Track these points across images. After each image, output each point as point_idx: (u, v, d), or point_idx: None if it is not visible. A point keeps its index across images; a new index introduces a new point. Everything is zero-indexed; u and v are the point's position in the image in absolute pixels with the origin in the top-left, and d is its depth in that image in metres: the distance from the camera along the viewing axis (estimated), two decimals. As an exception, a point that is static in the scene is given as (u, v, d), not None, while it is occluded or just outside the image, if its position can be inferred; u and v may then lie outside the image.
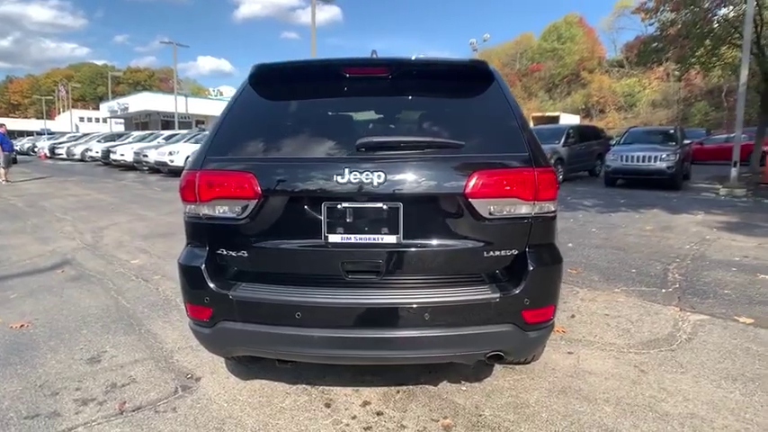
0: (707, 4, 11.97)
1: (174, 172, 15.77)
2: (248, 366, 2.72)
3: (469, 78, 2.09)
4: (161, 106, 35.40)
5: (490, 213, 1.81)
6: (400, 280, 1.88)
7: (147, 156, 16.55)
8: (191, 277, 1.97)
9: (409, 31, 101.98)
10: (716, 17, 12.25)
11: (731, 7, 11.67)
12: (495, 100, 2.05)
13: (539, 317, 1.89)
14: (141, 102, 36.94)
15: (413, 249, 1.84)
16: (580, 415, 2.23)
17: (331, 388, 2.52)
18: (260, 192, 1.85)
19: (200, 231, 1.97)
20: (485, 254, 1.85)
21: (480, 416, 2.25)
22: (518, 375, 2.61)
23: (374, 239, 1.83)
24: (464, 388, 2.50)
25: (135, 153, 17.33)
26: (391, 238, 1.82)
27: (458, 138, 1.88)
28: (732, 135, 19.92)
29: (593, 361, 2.76)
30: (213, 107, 39.19)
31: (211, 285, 1.91)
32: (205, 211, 1.93)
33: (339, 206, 1.82)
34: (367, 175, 1.78)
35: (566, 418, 2.21)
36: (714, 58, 13.59)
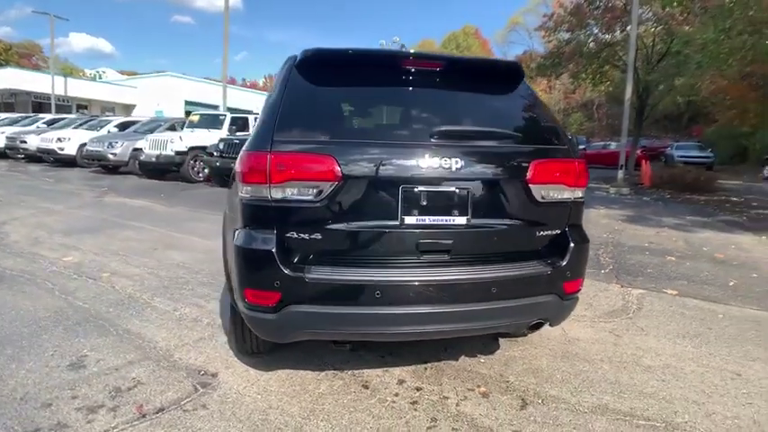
0: (595, 30, 13.88)
1: (64, 161, 13.87)
2: (265, 358, 2.66)
3: (506, 76, 2.31)
4: (31, 86, 30.52)
5: (542, 197, 2.06)
6: (468, 258, 2.04)
7: (25, 142, 14.30)
8: (257, 261, 1.90)
9: (314, 26, 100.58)
10: (602, 40, 14.26)
11: (616, 32, 13.69)
12: (527, 97, 2.29)
13: (573, 287, 2.18)
14: (4, 79, 31.46)
15: (479, 229, 2.01)
16: (587, 373, 2.59)
17: (360, 371, 2.58)
18: (340, 174, 1.86)
19: (266, 214, 1.91)
20: (537, 233, 2.10)
21: (507, 382, 2.49)
22: (522, 346, 2.91)
23: (446, 221, 1.96)
24: (482, 360, 2.73)
25: (8, 138, 14.84)
26: (461, 220, 1.97)
27: (509, 130, 2.09)
28: (609, 143, 23.15)
29: (577, 330, 3.17)
30: (98, 91, 34.88)
31: (283, 269, 1.87)
32: (276, 193, 1.88)
33: (415, 189, 1.92)
34: (445, 160, 1.91)
35: (577, 376, 2.55)
36: (599, 75, 15.85)
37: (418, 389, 2.42)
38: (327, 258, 1.95)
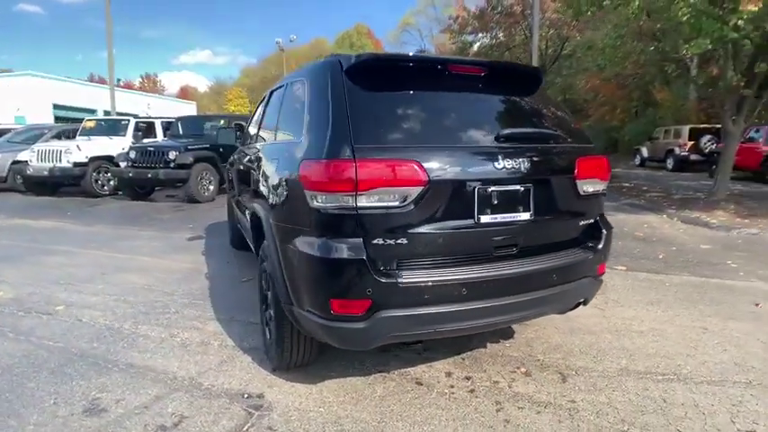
0: (500, 34, 15.12)
1: None
2: (304, 372, 2.60)
3: (532, 80, 2.55)
4: None
5: (584, 191, 2.32)
6: (531, 250, 2.23)
7: None
8: (348, 271, 1.88)
9: (199, 23, 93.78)
10: (504, 43, 15.59)
11: (515, 37, 15.06)
12: (550, 100, 2.56)
13: (603, 269, 2.49)
14: None
15: (539, 223, 2.20)
16: (597, 344, 2.94)
17: (405, 370, 2.65)
18: (425, 179, 1.92)
19: (350, 222, 1.90)
20: (580, 223, 2.36)
21: (539, 360, 2.74)
22: (533, 328, 3.19)
23: (513, 217, 2.13)
24: (507, 344, 2.95)
25: None
26: (525, 215, 2.15)
27: (554, 130, 2.33)
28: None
29: (567, 308, 3.56)
30: None
31: (375, 276, 1.89)
32: (363, 201, 1.88)
33: (488, 189, 2.05)
34: (515, 161, 2.07)
35: (591, 347, 2.89)
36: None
37: (468, 378, 2.56)
38: (414, 261, 2.00)
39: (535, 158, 2.14)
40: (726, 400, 2.32)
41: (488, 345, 2.94)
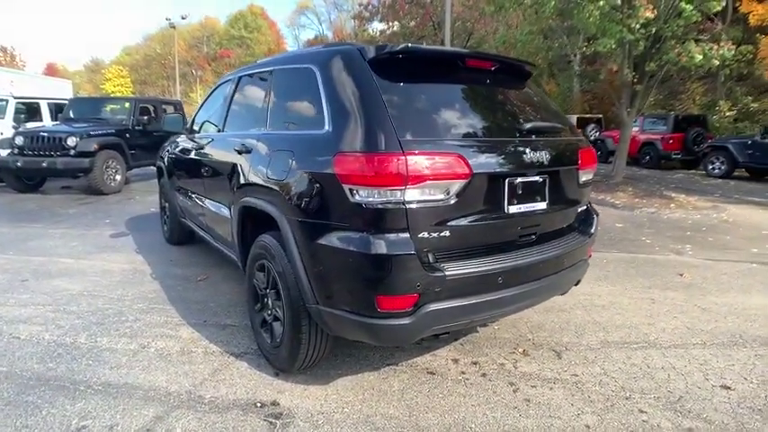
0: (412, 23, 15.32)
1: None
2: (311, 373, 2.50)
3: (527, 75, 2.66)
4: None
5: (583, 180, 2.50)
6: (545, 237, 2.35)
7: None
8: (398, 266, 1.82)
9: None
10: (416, 33, 15.85)
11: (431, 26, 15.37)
12: (537, 93, 2.69)
13: (591, 251, 2.72)
14: None
15: (551, 212, 2.33)
16: (572, 320, 3.21)
17: (412, 360, 2.67)
18: (469, 172, 1.92)
19: (396, 216, 1.84)
20: (578, 210, 2.54)
21: (530, 340, 2.93)
22: (512, 309, 3.39)
23: (533, 207, 2.22)
24: (497, 327, 3.10)
25: None
26: (542, 205, 2.26)
27: (558, 124, 2.46)
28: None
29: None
30: None
31: (423, 270, 1.85)
32: (411, 195, 1.83)
33: (516, 181, 2.11)
34: (536, 153, 2.15)
35: (568, 323, 3.15)
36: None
37: (474, 363, 2.65)
38: (455, 253, 2.00)
39: (550, 151, 2.25)
40: (694, 361, 2.69)
41: (480, 329, 3.06)
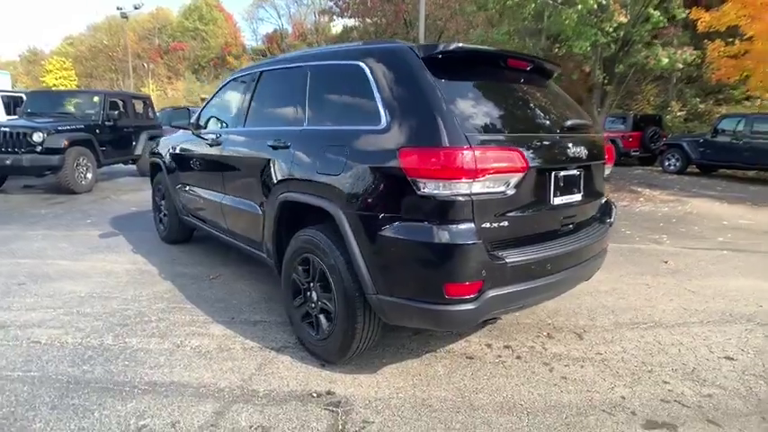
0: (383, 20, 15.41)
1: None
2: (356, 362, 2.57)
3: (550, 74, 2.83)
4: None
5: (606, 174, 2.71)
6: (579, 226, 2.53)
7: None
8: (467, 255, 1.93)
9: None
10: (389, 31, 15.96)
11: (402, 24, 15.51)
12: (559, 91, 2.88)
13: (607, 241, 2.95)
14: None
15: (584, 203, 2.51)
16: (583, 305, 3.44)
17: (449, 347, 2.79)
18: (526, 166, 2.06)
19: (464, 208, 1.95)
20: (601, 201, 2.74)
21: (551, 324, 3.12)
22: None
23: (572, 199, 2.40)
24: (518, 314, 3.27)
25: None
26: (578, 197, 2.44)
27: (588, 121, 2.66)
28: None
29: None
30: None
31: (488, 258, 1.98)
32: (477, 187, 1.94)
33: (559, 174, 2.28)
34: (578, 148, 2.33)
35: (580, 308, 3.38)
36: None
37: (507, 347, 2.82)
38: (511, 242, 2.13)
39: (586, 146, 2.44)
40: (697, 337, 2.97)
41: (504, 318, 3.23)
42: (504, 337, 2.93)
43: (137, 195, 7.91)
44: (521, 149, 2.08)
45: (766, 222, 6.53)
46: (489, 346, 2.83)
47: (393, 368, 2.57)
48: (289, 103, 2.88)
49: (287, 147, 2.68)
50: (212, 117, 3.91)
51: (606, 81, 8.81)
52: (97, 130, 8.45)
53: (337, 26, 18.15)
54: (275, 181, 2.75)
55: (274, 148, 2.78)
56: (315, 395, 2.31)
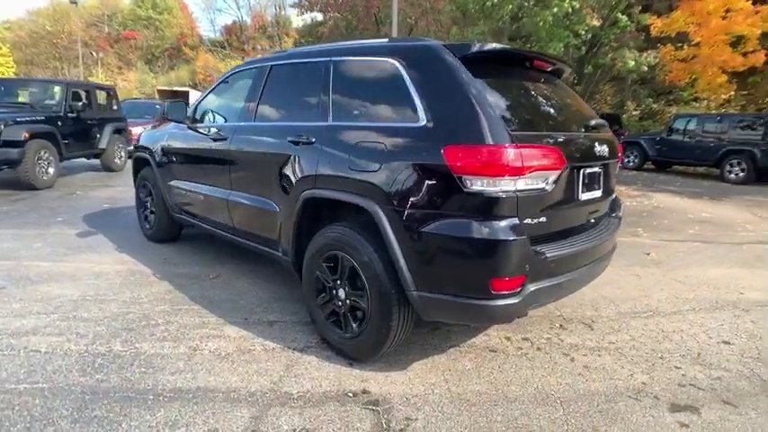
0: (354, 17, 15.25)
1: None
2: (384, 359, 2.57)
3: (560, 74, 2.91)
4: None
5: (617, 171, 2.82)
6: (599, 220, 2.63)
7: None
8: (513, 250, 1.96)
9: None
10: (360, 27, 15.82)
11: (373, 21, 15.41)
12: (570, 89, 2.98)
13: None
14: None
15: (603, 199, 2.60)
16: (584, 296, 3.56)
17: (470, 341, 2.84)
18: (564, 164, 2.11)
19: (510, 204, 1.98)
20: (613, 197, 2.86)
21: (560, 316, 3.23)
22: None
23: (595, 194, 2.48)
24: (526, 307, 3.37)
25: None
26: (599, 193, 2.53)
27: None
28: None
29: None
30: None
31: (531, 253, 2.02)
32: (521, 184, 1.98)
33: (586, 171, 2.35)
34: (602, 147, 2.42)
35: (584, 299, 3.51)
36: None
37: (525, 339, 2.89)
38: (548, 236, 2.19)
39: (605, 144, 2.53)
40: (694, 324, 3.17)
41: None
42: (520, 330, 3.00)
43: (106, 191, 7.49)
44: (558, 147, 2.13)
45: (725, 215, 7.02)
46: (509, 339, 2.89)
47: (421, 364, 2.58)
48: (309, 98, 2.81)
49: (311, 142, 2.62)
50: (210, 111, 3.76)
51: (576, 81, 9.18)
52: (59, 123, 7.91)
53: (299, 20, 17.84)
54: (298, 177, 2.68)
55: (295, 143, 2.71)
56: (351, 395, 2.29)
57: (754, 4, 11.17)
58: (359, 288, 2.43)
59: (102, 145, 9.12)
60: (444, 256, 2.10)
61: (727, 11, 11.15)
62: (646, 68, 7.90)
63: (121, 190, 7.69)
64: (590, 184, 2.44)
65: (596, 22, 7.45)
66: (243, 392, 2.27)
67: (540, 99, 2.50)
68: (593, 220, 2.56)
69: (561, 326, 3.08)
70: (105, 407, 2.13)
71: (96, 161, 9.60)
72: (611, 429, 2.08)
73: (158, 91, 31.40)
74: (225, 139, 3.33)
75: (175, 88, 32.57)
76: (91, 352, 2.59)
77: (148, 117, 12.82)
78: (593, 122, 2.51)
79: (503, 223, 1.99)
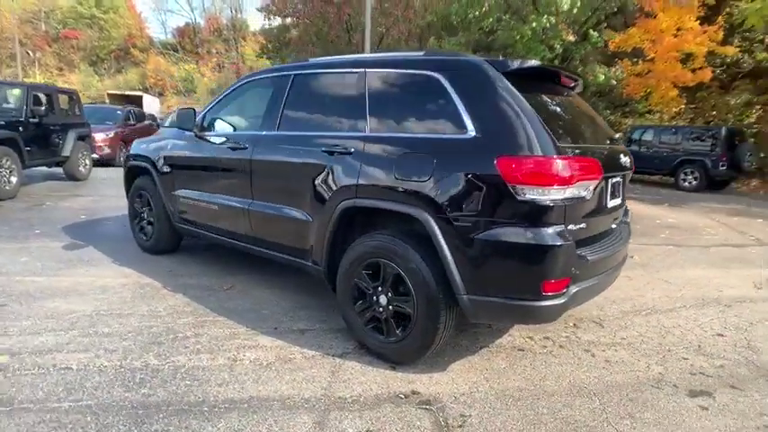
0: (325, 24, 15.25)
1: None
2: (423, 361, 2.66)
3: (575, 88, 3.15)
4: None
5: (630, 180, 3.08)
6: (618, 226, 2.86)
7: None
8: (563, 254, 2.12)
9: None
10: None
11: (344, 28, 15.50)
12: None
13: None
14: None
15: (621, 206, 2.84)
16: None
17: (497, 341, 3.00)
18: (602, 174, 2.31)
19: (559, 211, 2.15)
20: (625, 203, 3.12)
21: (571, 315, 3.42)
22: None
23: (616, 202, 2.71)
24: (538, 308, 3.57)
25: None
26: (619, 200, 2.76)
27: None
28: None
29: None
30: None
31: (576, 256, 2.20)
32: (569, 192, 2.15)
33: (612, 180, 2.58)
34: (624, 158, 2.66)
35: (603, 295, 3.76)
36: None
37: (547, 338, 3.08)
38: (587, 240, 2.38)
39: (625, 156, 2.78)
40: (688, 319, 3.48)
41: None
42: (538, 330, 3.19)
43: (77, 201, 7.12)
44: (596, 158, 2.34)
45: (688, 221, 7.64)
46: (531, 338, 3.07)
47: (459, 365, 2.70)
48: (341, 109, 2.88)
49: (349, 153, 2.69)
50: (219, 120, 3.73)
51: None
52: (20, 128, 7.45)
53: (257, 24, 17.64)
54: (335, 188, 2.74)
55: (330, 153, 2.77)
56: (402, 396, 2.37)
57: (701, 24, 12.22)
58: (402, 294, 2.52)
59: (66, 152, 8.66)
60: (498, 261, 2.24)
61: (679, 29, 12.15)
62: (615, 82, 8.50)
63: (93, 200, 7.36)
64: (614, 192, 2.67)
65: (572, 38, 7.95)
66: (297, 399, 2.30)
67: (569, 113, 2.71)
68: (614, 226, 2.79)
69: (575, 325, 3.30)
70: (162, 420, 2.10)
71: (58, 169, 9.09)
72: (644, 415, 2.28)
73: (109, 95, 29.88)
74: (244, 149, 3.32)
75: (127, 92, 31.19)
76: (126, 367, 2.52)
77: (110, 123, 12.30)
78: (616, 135, 2.76)
79: (553, 229, 2.16)
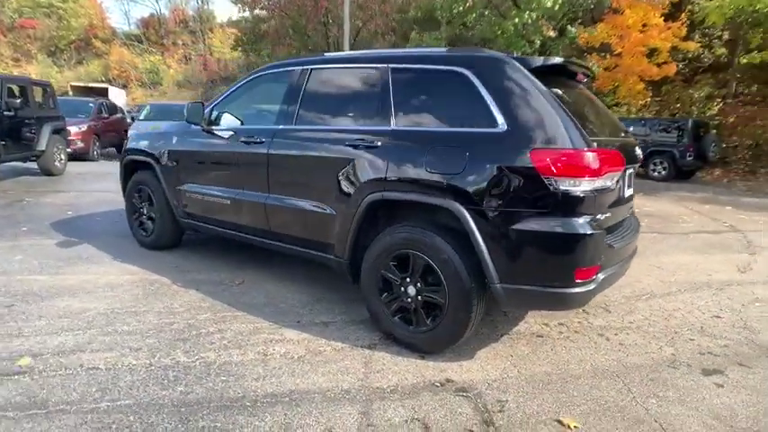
0: (303, 20, 15.05)
1: None
2: (452, 351, 2.73)
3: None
4: None
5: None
6: (629, 218, 2.99)
7: None
8: (595, 242, 2.22)
9: None
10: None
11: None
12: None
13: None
14: None
15: (632, 196, 2.97)
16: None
17: (515, 329, 3.10)
18: (625, 165, 2.42)
19: (591, 201, 2.24)
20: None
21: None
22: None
23: (630, 192, 2.83)
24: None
25: None
26: (631, 191, 2.88)
27: None
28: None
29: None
30: None
31: (605, 244, 2.30)
32: (599, 183, 2.25)
33: (628, 171, 2.69)
34: (638, 150, 2.78)
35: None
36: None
37: (561, 324, 3.20)
38: (611, 228, 2.49)
39: (637, 148, 2.91)
40: (687, 303, 3.68)
41: (529, 313, 3.60)
42: (552, 317, 3.31)
43: (59, 197, 6.84)
44: (618, 150, 2.45)
45: (663, 209, 7.99)
46: (547, 324, 3.18)
47: (485, 352, 2.78)
48: (365, 104, 2.89)
49: (375, 146, 2.72)
50: (229, 114, 3.67)
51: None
52: (-4, 122, 7.11)
53: (224, 16, 17.26)
54: (362, 181, 2.75)
55: (355, 147, 2.79)
56: (438, 384, 2.43)
57: (666, 20, 12.70)
58: (431, 284, 2.58)
59: (42, 146, 8.29)
60: (532, 250, 2.32)
61: (644, 25, 12.59)
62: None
63: (75, 195, 7.08)
64: (628, 182, 2.79)
65: (552, 33, 8.14)
66: (337, 391, 2.33)
67: (586, 107, 2.81)
68: (628, 214, 2.93)
69: (585, 311, 3.44)
70: (208, 417, 2.10)
71: (32, 164, 8.70)
72: (667, 394, 2.42)
73: (72, 87, 28.61)
74: (261, 143, 3.29)
75: (92, 84, 29.89)
76: (156, 365, 2.49)
77: (82, 116, 11.81)
78: (631, 129, 2.87)
79: (585, 218, 2.26)
